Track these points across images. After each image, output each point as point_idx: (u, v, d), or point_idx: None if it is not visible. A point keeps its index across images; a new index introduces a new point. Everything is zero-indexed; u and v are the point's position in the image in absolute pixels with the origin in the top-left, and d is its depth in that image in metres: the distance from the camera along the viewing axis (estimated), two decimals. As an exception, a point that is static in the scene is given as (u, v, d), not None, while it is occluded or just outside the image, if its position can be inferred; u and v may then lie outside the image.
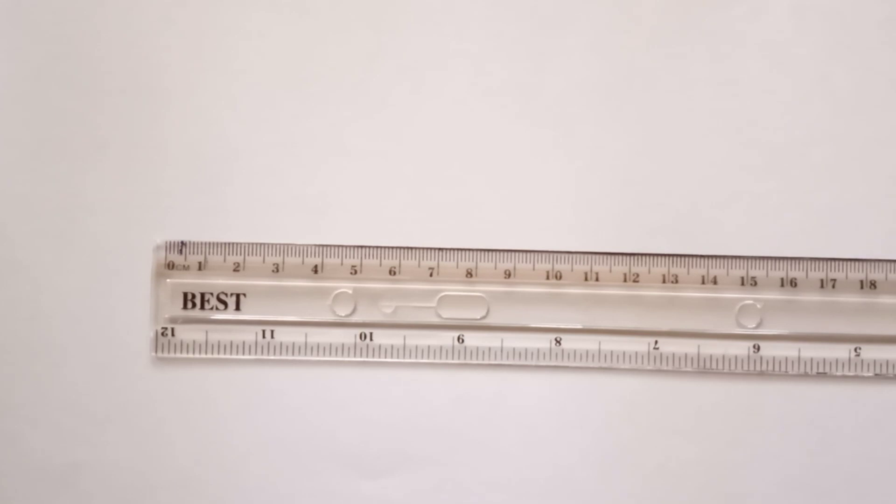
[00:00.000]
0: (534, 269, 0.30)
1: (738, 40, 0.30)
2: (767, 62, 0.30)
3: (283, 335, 0.30)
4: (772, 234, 0.30)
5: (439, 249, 0.30)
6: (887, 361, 0.29)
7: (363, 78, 0.30)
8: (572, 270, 0.30)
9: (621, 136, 0.30)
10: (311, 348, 0.30)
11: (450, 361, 0.30)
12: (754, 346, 0.30)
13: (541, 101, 0.30)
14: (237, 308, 0.30)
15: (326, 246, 0.30)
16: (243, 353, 0.30)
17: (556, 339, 0.30)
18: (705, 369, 0.30)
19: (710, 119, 0.30)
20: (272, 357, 0.30)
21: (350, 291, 0.30)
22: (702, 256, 0.30)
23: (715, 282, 0.30)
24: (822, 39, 0.30)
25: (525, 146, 0.30)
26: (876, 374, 0.30)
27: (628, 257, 0.30)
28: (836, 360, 0.30)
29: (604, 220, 0.30)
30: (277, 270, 0.30)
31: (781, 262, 0.30)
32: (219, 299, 0.30)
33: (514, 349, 0.30)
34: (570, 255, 0.30)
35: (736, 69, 0.30)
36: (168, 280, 0.30)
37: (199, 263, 0.30)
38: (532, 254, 0.30)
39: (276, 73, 0.30)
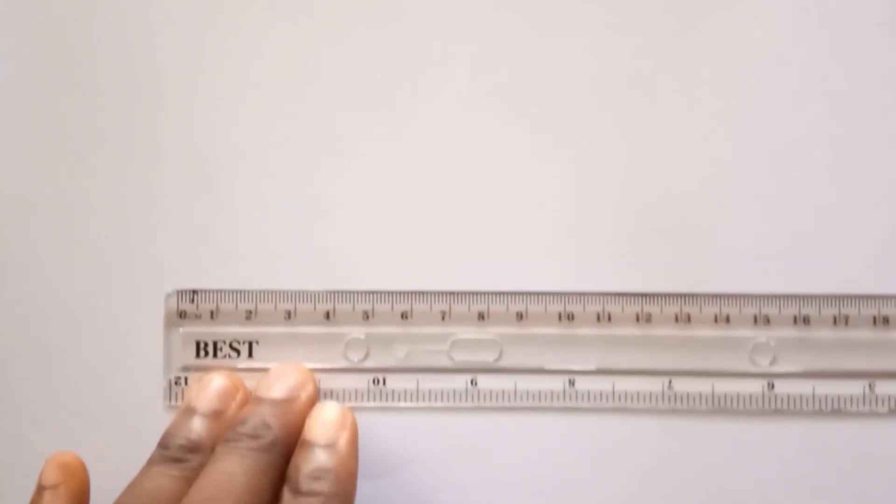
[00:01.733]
0: (545, 310, 0.30)
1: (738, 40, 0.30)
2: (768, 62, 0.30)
3: (296, 381, 0.30)
4: (783, 270, 0.30)
5: (450, 293, 0.30)
6: (902, 397, 0.29)
7: (377, 118, 0.30)
8: (584, 311, 0.30)
9: (630, 171, 0.30)
10: (325, 394, 0.30)
11: (463, 405, 0.30)
12: (769, 384, 0.30)
13: (553, 129, 0.30)
14: (250, 355, 0.30)
15: (338, 292, 0.30)
16: (257, 401, 0.30)
17: (569, 381, 0.30)
18: (720, 408, 0.30)
19: (718, 134, 0.30)
20: (286, 403, 0.30)
21: (362, 337, 0.30)
22: (714, 295, 0.30)
23: (728, 320, 0.30)
24: (822, 39, 0.30)
25: (533, 187, 0.30)
26: (890, 410, 0.29)
27: (640, 297, 0.30)
28: (851, 397, 0.30)
29: (615, 260, 0.30)
30: (289, 317, 0.30)
31: (793, 299, 0.30)
32: (231, 347, 0.30)
33: (527, 391, 0.30)
34: (582, 296, 0.30)
35: (736, 69, 0.30)
36: (180, 329, 0.30)
37: (211, 312, 0.30)
38: (543, 295, 0.30)
39: (287, 98, 0.30)
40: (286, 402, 0.27)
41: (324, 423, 0.27)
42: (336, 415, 0.27)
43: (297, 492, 0.26)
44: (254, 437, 0.26)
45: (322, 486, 0.26)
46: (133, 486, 0.26)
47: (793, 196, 0.30)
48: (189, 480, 0.26)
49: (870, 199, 0.30)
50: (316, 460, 0.26)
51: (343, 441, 0.27)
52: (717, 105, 0.30)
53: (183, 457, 0.27)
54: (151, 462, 0.27)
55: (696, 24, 0.30)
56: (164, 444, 0.27)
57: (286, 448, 0.27)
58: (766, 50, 0.30)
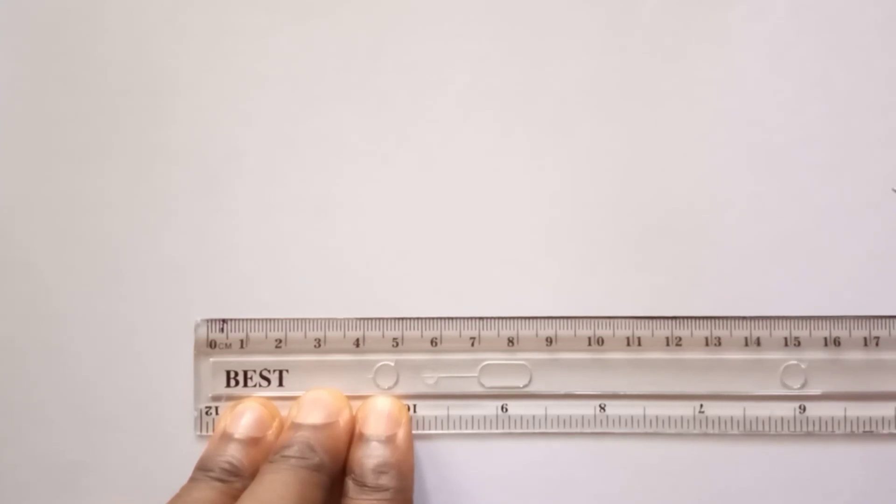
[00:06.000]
0: (575, 335, 0.30)
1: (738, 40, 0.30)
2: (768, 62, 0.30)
3: (326, 409, 0.30)
4: (813, 292, 0.30)
5: (480, 319, 0.30)
6: (935, 419, 0.29)
7: (400, 141, 0.30)
8: (614, 336, 0.30)
9: (655, 193, 0.30)
10: (355, 422, 0.30)
11: (494, 431, 0.30)
12: (800, 407, 0.29)
13: (572, 148, 0.30)
14: (280, 384, 0.30)
15: (367, 319, 0.30)
16: (287, 429, 0.30)
17: (600, 406, 0.30)
18: (751, 431, 0.29)
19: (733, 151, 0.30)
20: (316, 431, 0.30)
21: (392, 364, 0.30)
22: (744, 318, 0.30)
23: (758, 343, 0.30)
24: (822, 39, 0.30)
25: (559, 212, 0.30)
26: (923, 431, 0.29)
27: (670, 321, 0.30)
28: (882, 418, 0.29)
29: (645, 284, 0.30)
30: (319, 345, 0.30)
31: (824, 321, 0.30)
32: (262, 376, 0.30)
33: (558, 416, 0.30)
34: (612, 321, 0.30)
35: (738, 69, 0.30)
36: (210, 359, 0.30)
37: (241, 341, 0.30)
38: (573, 320, 0.30)
39: (319, 121, 0.30)
40: (326, 426, 0.28)
41: (379, 416, 0.28)
42: (391, 408, 0.28)
43: (363, 485, 0.26)
44: (301, 458, 0.26)
45: (387, 480, 0.26)
46: (179, 496, 0.26)
47: (830, 253, 0.30)
48: (234, 497, 0.26)
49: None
50: (379, 455, 0.27)
51: (401, 435, 0.28)
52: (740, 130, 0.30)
53: (226, 478, 0.27)
54: (194, 480, 0.27)
55: (696, 24, 0.30)
56: (204, 467, 0.27)
57: (332, 472, 0.27)
58: (766, 50, 0.30)
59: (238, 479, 0.27)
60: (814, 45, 0.30)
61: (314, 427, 0.27)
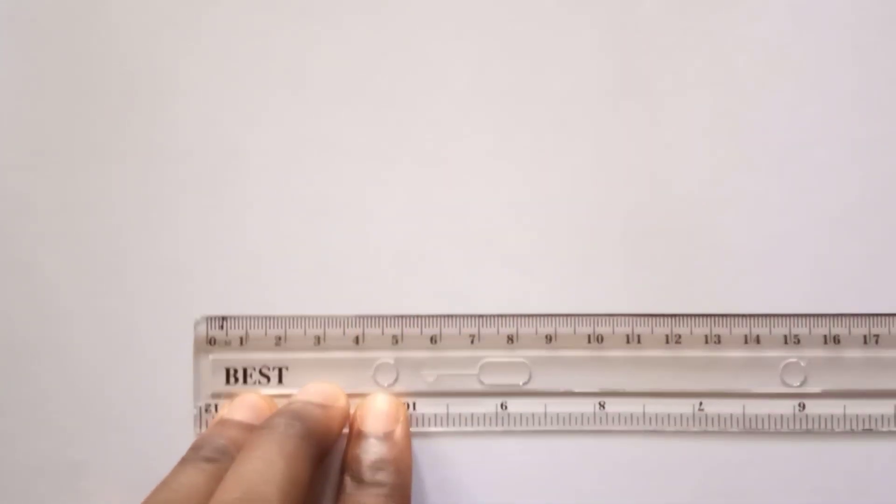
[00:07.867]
0: (575, 332, 0.30)
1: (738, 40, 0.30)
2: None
3: (325, 406, 0.30)
4: (813, 290, 0.30)
5: (479, 316, 0.30)
6: (934, 417, 0.29)
7: (402, 145, 0.30)
8: (614, 333, 0.30)
9: (653, 189, 0.30)
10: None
11: (493, 429, 0.30)
12: (799, 405, 0.29)
13: (572, 147, 0.30)
14: (280, 382, 0.30)
15: (367, 316, 0.30)
16: (287, 427, 0.30)
17: (599, 403, 0.30)
18: (751, 429, 0.29)
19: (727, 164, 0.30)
20: (315, 429, 0.30)
21: (392, 361, 0.30)
22: (744, 316, 0.30)
23: (758, 341, 0.30)
24: (822, 39, 0.30)
25: (559, 209, 0.30)
26: (923, 429, 0.29)
27: (670, 318, 0.30)
28: (882, 416, 0.29)
29: (644, 281, 0.30)
30: (319, 342, 0.30)
31: (824, 318, 0.30)
32: (261, 373, 0.30)
33: (557, 414, 0.30)
34: (612, 318, 0.30)
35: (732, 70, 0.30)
36: (210, 356, 0.30)
37: (241, 338, 0.30)
38: (572, 317, 0.30)
39: (317, 117, 0.30)
40: (322, 406, 0.28)
41: (377, 413, 0.28)
42: (389, 405, 0.28)
43: (360, 482, 0.26)
44: (291, 423, 0.26)
45: (385, 476, 0.26)
46: (167, 481, 0.26)
47: (831, 250, 0.30)
48: (220, 478, 0.25)
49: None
50: (376, 451, 0.27)
51: (399, 432, 0.28)
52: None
53: (216, 457, 0.26)
54: (184, 461, 0.26)
55: (696, 24, 0.30)
56: (197, 446, 0.27)
57: (322, 444, 0.27)
58: (766, 50, 0.30)
59: (229, 457, 0.26)
60: (814, 45, 0.30)
61: (310, 402, 0.28)
